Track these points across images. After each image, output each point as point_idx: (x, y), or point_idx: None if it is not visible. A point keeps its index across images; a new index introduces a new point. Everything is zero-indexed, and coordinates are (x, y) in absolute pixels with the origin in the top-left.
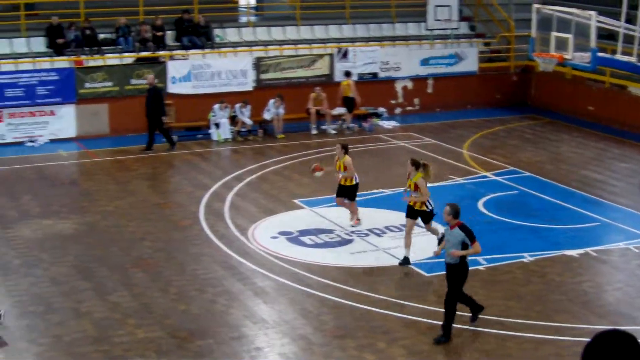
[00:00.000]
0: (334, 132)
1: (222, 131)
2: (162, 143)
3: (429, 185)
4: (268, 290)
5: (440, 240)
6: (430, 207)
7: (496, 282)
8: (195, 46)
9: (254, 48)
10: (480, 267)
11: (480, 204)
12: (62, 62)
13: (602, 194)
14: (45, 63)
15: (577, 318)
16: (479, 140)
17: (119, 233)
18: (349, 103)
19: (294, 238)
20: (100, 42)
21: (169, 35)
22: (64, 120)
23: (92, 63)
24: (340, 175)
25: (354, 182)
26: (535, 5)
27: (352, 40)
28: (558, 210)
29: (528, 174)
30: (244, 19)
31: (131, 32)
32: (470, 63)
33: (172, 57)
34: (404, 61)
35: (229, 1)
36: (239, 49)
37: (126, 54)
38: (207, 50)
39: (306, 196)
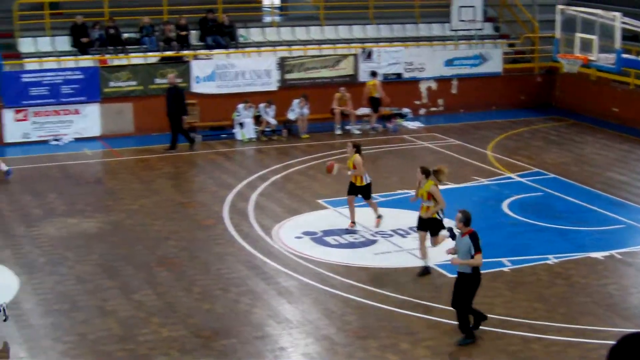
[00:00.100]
0: (358, 132)
1: (247, 131)
2: (185, 143)
3: (442, 188)
4: (292, 290)
5: (452, 237)
6: (441, 217)
7: (521, 284)
8: (219, 46)
9: (278, 48)
10: (505, 269)
11: (504, 206)
12: (87, 61)
13: (627, 196)
14: (69, 62)
15: (602, 321)
16: (504, 141)
17: (143, 232)
18: (374, 103)
19: (318, 238)
20: (124, 42)
21: (193, 35)
22: (89, 119)
23: (116, 62)
24: (350, 173)
25: (364, 182)
26: (560, 6)
27: (376, 40)
28: (583, 212)
29: (553, 175)
30: (268, 19)
31: (155, 31)
32: (494, 64)
33: (196, 57)
34: (428, 62)
35: (253, 1)
36: (262, 48)
37: (150, 54)
38: (231, 50)
39: (330, 196)
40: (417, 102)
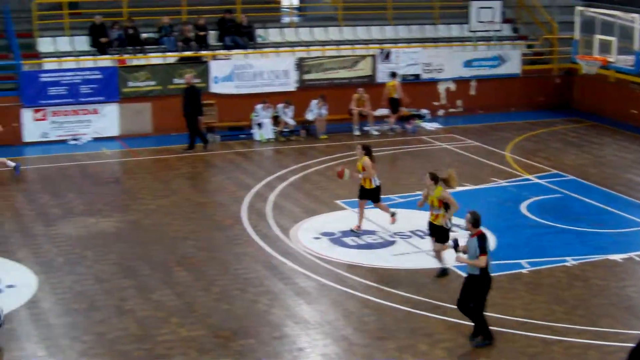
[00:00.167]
0: (376, 133)
1: (265, 131)
2: (200, 143)
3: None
4: (310, 291)
5: (455, 248)
6: (449, 226)
7: (539, 286)
8: (237, 46)
9: (296, 48)
10: (524, 271)
11: (523, 207)
12: (105, 60)
13: None
14: (88, 62)
15: (621, 323)
16: (522, 142)
17: (161, 232)
18: (394, 104)
19: (336, 239)
20: (143, 42)
21: (212, 35)
22: (107, 119)
23: (135, 62)
24: (360, 176)
25: (373, 185)
26: (579, 8)
27: (394, 41)
28: (601, 214)
29: (571, 177)
30: (286, 20)
31: (174, 31)
32: (513, 65)
33: (214, 57)
34: (446, 63)
35: (271, 1)
36: (281, 49)
37: (169, 54)
38: (249, 51)
39: (348, 197)
40: (436, 103)
